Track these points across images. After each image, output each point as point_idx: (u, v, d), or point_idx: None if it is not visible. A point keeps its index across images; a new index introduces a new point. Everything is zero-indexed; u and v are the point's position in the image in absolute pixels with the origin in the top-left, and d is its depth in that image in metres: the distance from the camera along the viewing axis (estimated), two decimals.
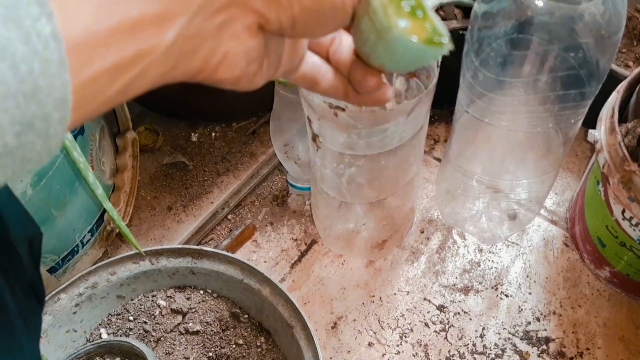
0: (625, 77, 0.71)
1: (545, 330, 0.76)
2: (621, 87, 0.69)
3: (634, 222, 0.66)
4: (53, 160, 0.66)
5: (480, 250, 0.84)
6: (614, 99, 0.68)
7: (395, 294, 0.79)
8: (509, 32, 0.61)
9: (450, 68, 0.68)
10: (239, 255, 0.83)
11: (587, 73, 0.60)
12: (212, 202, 0.85)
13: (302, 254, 0.83)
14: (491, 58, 0.62)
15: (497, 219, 0.82)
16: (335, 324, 0.77)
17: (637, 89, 0.70)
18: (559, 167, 0.75)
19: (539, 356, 0.74)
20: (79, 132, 0.71)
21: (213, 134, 0.93)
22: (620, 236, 0.70)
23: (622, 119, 0.70)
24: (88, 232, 0.76)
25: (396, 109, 0.56)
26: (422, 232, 0.85)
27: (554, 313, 0.77)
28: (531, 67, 0.62)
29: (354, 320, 0.77)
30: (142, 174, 0.88)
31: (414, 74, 0.68)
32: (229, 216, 0.87)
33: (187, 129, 0.94)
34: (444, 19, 0.85)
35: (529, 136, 0.71)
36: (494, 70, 0.62)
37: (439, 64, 0.58)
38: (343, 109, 0.54)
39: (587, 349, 0.74)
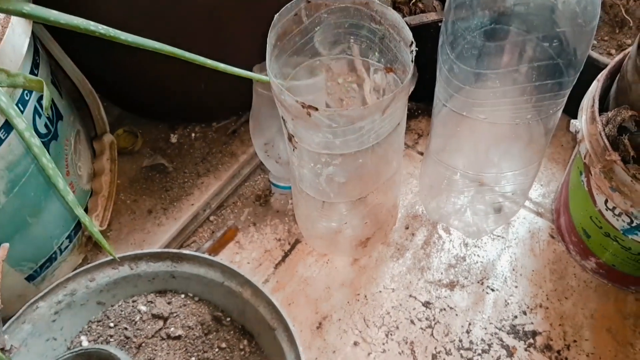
0: (606, 66, 0.70)
1: (532, 323, 0.75)
2: (601, 75, 0.68)
3: (617, 212, 0.65)
4: (26, 167, 0.64)
5: (466, 245, 0.83)
6: (595, 88, 0.67)
7: (380, 291, 0.78)
8: (484, 23, 0.60)
9: (432, 60, 0.66)
10: (222, 257, 0.82)
11: (565, 62, 0.59)
12: (192, 204, 0.84)
13: (286, 254, 0.82)
14: (467, 50, 0.61)
15: (482, 212, 0.81)
16: (320, 324, 0.76)
17: (617, 78, 0.69)
18: (542, 157, 0.74)
19: (526, 350, 0.73)
20: (52, 138, 0.69)
21: (193, 134, 0.91)
22: (604, 226, 0.69)
23: (604, 108, 0.69)
24: (66, 238, 0.74)
25: (371, 106, 0.55)
26: (406, 228, 0.84)
27: (541, 306, 0.77)
28: (508, 58, 0.61)
29: (339, 319, 0.76)
30: (121, 178, 0.87)
31: (390, 68, 0.67)
32: (211, 218, 0.86)
33: (167, 130, 0.92)
34: (422, 11, 0.84)
35: (510, 128, 0.70)
36: (471, 63, 0.61)
37: (414, 58, 0.57)
38: (316, 109, 0.53)
39: (574, 341, 0.74)
